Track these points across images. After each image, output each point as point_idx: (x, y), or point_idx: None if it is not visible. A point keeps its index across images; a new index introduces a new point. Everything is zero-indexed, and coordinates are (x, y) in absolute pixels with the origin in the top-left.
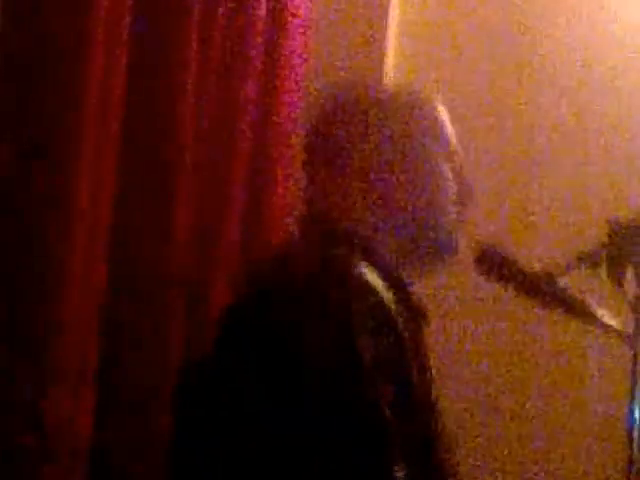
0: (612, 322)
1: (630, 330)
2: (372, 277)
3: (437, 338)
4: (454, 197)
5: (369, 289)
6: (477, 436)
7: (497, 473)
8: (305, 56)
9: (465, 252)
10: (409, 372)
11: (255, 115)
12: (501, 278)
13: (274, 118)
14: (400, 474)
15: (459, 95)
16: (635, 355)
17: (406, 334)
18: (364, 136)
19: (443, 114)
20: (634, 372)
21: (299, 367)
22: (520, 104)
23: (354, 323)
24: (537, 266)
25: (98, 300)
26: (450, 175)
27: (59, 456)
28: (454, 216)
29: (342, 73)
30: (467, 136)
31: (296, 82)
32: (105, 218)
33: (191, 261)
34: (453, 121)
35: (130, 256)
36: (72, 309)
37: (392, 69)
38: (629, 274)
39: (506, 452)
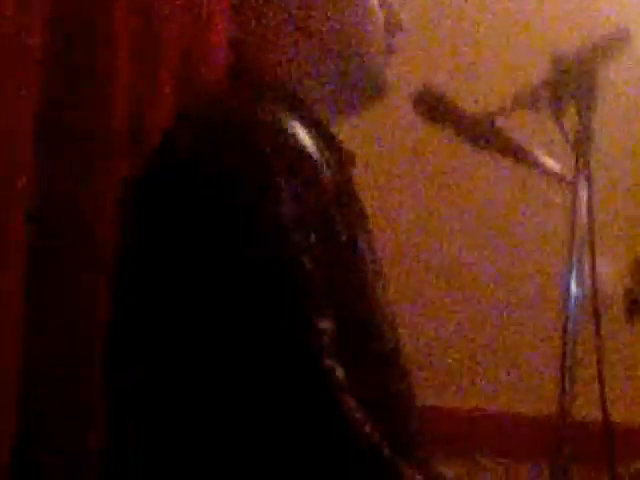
0: (552, 165)
1: (571, 173)
2: (297, 128)
3: (373, 181)
4: (381, 28)
5: (292, 140)
6: (406, 285)
7: (426, 327)
8: None
9: (403, 93)
10: (333, 223)
11: None
12: (439, 120)
13: None
14: (323, 325)
15: None
16: (575, 199)
17: (332, 186)
18: None
19: None
20: (574, 216)
21: (216, 216)
22: None
23: (275, 173)
24: (476, 107)
25: None
26: (376, 5)
27: None
28: (383, 48)
29: None
30: None
31: None
32: None
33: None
34: None
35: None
36: None
37: None
38: (571, 113)
39: (437, 302)
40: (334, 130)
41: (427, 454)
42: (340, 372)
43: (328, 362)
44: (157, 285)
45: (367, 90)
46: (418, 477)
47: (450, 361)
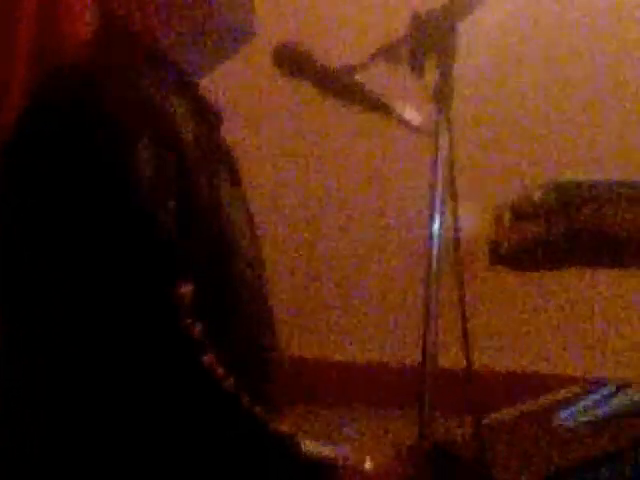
0: (413, 117)
1: (431, 125)
2: (161, 93)
3: (238, 136)
4: None
5: (155, 107)
6: (274, 238)
7: (292, 278)
8: None
9: (263, 48)
10: (195, 185)
11: None
12: (300, 74)
13: None
14: (185, 289)
15: None
16: (436, 150)
17: (195, 147)
18: None
19: None
20: (435, 167)
21: (75, 180)
22: None
23: (133, 136)
24: (336, 61)
25: None
26: None
27: None
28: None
29: None
30: None
31: None
32: None
33: None
34: None
35: None
36: None
37: None
38: (430, 67)
39: (303, 253)
40: (200, 86)
41: (291, 404)
42: (198, 331)
43: (186, 323)
44: (25, 254)
45: (231, 37)
46: (278, 426)
47: (315, 312)
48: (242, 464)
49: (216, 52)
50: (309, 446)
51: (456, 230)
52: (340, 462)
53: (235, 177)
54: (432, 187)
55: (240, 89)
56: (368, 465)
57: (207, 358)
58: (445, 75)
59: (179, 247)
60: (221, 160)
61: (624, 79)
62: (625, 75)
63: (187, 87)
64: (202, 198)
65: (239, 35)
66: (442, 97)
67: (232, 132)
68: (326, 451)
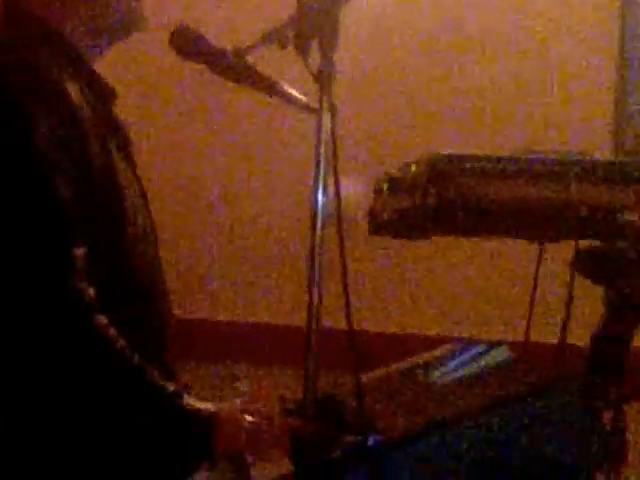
0: (299, 96)
1: (315, 103)
2: (57, 70)
3: (136, 114)
4: None
5: (51, 82)
6: (170, 210)
7: (182, 241)
8: None
9: (157, 31)
10: (90, 156)
11: None
12: (194, 56)
13: None
14: (79, 252)
15: None
16: (320, 127)
17: (90, 122)
18: None
19: None
20: (318, 143)
21: None
22: None
23: (31, 113)
24: (227, 43)
25: None
26: None
27: None
28: None
29: None
30: None
31: None
32: None
33: None
34: None
35: None
36: None
37: None
38: (314, 50)
39: (199, 226)
40: (95, 66)
41: (182, 363)
42: (92, 293)
43: (80, 284)
44: None
45: (123, 26)
46: (164, 382)
47: (205, 275)
48: (129, 417)
49: (108, 37)
50: (191, 401)
51: (338, 201)
52: (221, 414)
53: (128, 150)
54: (316, 161)
55: (136, 69)
56: (249, 418)
57: (99, 318)
58: (327, 57)
59: (74, 211)
60: (114, 134)
61: (505, 51)
62: (506, 48)
63: (82, 64)
64: (96, 166)
65: (126, 23)
66: (325, 78)
67: (127, 111)
68: (208, 405)
